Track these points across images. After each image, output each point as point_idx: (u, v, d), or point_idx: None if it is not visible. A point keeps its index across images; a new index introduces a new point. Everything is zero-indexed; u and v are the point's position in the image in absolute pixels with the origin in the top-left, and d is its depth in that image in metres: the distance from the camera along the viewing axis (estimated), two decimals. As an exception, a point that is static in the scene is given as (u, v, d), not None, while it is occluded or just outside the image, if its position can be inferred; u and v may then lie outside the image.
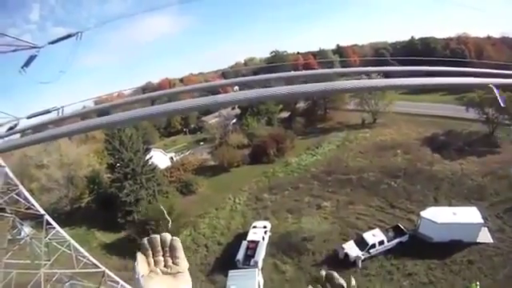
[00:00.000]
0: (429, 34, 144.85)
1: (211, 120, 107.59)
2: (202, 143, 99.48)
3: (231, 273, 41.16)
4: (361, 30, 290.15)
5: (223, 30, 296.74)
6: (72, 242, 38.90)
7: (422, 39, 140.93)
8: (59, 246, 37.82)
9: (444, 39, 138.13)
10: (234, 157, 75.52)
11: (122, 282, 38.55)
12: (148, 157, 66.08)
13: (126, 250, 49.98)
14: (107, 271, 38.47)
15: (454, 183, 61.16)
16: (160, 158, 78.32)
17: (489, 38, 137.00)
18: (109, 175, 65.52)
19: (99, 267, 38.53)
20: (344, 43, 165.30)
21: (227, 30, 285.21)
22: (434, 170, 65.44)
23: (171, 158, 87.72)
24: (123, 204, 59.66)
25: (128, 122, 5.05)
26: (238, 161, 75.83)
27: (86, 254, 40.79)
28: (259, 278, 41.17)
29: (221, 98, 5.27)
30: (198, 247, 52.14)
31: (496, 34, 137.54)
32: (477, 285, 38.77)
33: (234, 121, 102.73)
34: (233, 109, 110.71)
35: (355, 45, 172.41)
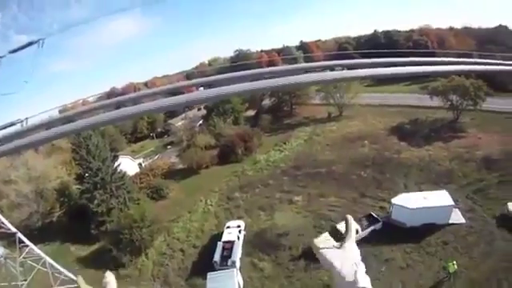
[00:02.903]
0: (392, 27, 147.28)
1: (178, 122, 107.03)
2: (169, 147, 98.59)
3: (210, 275, 40.86)
4: (324, 26, 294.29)
5: (186, 32, 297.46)
6: (47, 258, 38.23)
7: (384, 32, 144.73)
8: (34, 264, 37.14)
9: (406, 32, 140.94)
10: (202, 158, 74.94)
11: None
12: (116, 164, 64.54)
13: (102, 262, 48.83)
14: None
15: (422, 169, 62.79)
16: (128, 165, 77.08)
17: (451, 29, 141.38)
18: (78, 186, 63.84)
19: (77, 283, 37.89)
20: (308, 39, 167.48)
21: (190, 31, 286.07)
22: (402, 158, 66.97)
23: (140, 164, 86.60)
24: (95, 215, 58.19)
25: (93, 126, 4.90)
26: (207, 162, 75.26)
27: (63, 270, 40.11)
28: (238, 277, 41.04)
29: (183, 97, 5.16)
30: (173, 252, 51.39)
31: (459, 25, 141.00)
32: (454, 264, 39.73)
33: (201, 122, 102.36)
34: (199, 110, 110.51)
35: (319, 40, 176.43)
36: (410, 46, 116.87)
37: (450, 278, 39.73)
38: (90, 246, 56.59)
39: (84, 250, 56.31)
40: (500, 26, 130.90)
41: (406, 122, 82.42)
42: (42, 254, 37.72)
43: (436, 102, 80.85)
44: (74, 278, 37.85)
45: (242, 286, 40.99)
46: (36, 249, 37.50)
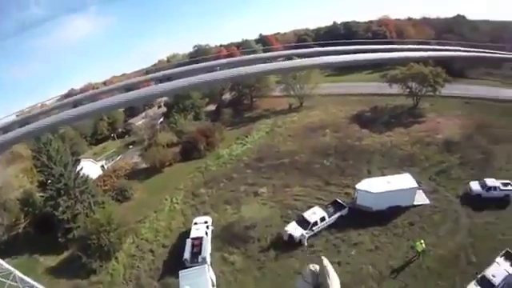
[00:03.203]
0: (351, 18, 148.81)
1: (138, 122, 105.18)
2: (131, 146, 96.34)
3: (182, 273, 40.07)
4: (283, 19, 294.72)
5: (142, 31, 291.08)
6: (16, 272, 36.70)
7: (343, 23, 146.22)
8: (4, 280, 35.83)
9: (365, 23, 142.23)
10: (165, 156, 73.67)
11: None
12: (79, 168, 62.62)
13: (73, 270, 47.33)
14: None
15: (384, 154, 63.84)
16: (91, 168, 74.89)
17: (409, 19, 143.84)
18: (41, 194, 61.73)
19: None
20: (267, 32, 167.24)
21: (146, 30, 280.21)
22: (364, 145, 67.82)
23: (102, 166, 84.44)
24: (61, 222, 56.29)
25: (51, 127, 4.49)
26: (170, 160, 73.93)
27: (33, 282, 38.71)
28: (210, 273, 40.43)
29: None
30: (143, 253, 49.94)
31: (417, 16, 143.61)
32: (421, 243, 40.31)
33: (161, 120, 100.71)
34: (159, 107, 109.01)
35: (278, 33, 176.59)
36: (369, 36, 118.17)
37: (419, 256, 40.28)
38: (59, 255, 54.44)
39: (53, 260, 54.22)
40: (458, 15, 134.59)
41: (367, 110, 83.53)
42: (11, 269, 36.24)
43: (395, 89, 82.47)
44: None
45: (214, 281, 40.43)
46: (4, 263, 36.14)
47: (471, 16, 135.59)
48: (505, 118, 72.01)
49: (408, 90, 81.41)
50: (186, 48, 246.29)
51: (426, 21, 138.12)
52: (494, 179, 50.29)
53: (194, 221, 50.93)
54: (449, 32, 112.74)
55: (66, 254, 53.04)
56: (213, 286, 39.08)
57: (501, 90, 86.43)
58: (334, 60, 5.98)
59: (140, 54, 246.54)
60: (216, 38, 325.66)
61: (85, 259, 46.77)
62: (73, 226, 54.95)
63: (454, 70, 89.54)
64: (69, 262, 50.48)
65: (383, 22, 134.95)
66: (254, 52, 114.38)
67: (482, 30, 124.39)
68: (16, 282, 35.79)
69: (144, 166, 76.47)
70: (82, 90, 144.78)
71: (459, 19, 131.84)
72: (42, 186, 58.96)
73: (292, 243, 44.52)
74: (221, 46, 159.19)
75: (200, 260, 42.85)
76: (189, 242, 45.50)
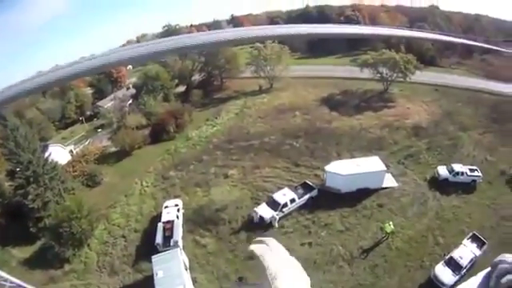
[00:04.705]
0: (324, 2, 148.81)
1: (107, 104, 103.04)
2: (100, 130, 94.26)
3: (154, 258, 39.60)
4: (256, 0, 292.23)
5: (112, 10, 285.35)
6: None
7: (316, 7, 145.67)
8: None
9: (339, 7, 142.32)
10: (134, 139, 72.18)
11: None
12: (47, 154, 61.16)
13: (46, 260, 46.15)
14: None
15: (353, 137, 64.40)
16: (60, 153, 72.52)
17: (382, 5, 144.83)
18: (10, 183, 60.04)
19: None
20: (239, 13, 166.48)
21: (116, 8, 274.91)
22: (333, 128, 68.20)
23: (71, 151, 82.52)
24: (32, 211, 54.95)
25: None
26: (139, 142, 72.37)
27: (8, 276, 37.90)
28: (183, 256, 40.11)
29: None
30: (115, 239, 48.59)
31: (391, 3, 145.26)
32: (390, 224, 41.21)
33: (130, 101, 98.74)
34: (127, 89, 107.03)
35: (250, 14, 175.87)
36: (341, 20, 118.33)
37: (388, 237, 41.19)
38: (32, 245, 53.07)
39: (26, 252, 52.46)
40: (432, 5, 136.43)
41: (337, 93, 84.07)
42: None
43: (366, 74, 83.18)
44: (22, 283, 36.10)
45: (187, 264, 40.25)
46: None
47: (445, 7, 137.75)
48: (472, 106, 74.70)
49: (379, 75, 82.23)
50: (155, 27, 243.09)
51: (399, 9, 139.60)
52: (461, 165, 51.84)
53: (165, 204, 50.22)
54: (422, 21, 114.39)
55: (38, 245, 51.42)
56: (186, 269, 38.80)
57: (469, 80, 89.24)
58: (311, 31, 5.90)
59: (108, 33, 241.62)
60: (187, 18, 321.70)
61: (58, 248, 45.64)
62: (43, 214, 53.57)
63: (426, 57, 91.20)
64: (42, 252, 49.01)
65: (357, 8, 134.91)
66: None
67: (455, 21, 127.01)
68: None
69: (113, 149, 74.94)
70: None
71: (432, 9, 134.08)
72: (11, 174, 57.06)
73: (263, 225, 44.55)
74: (191, 26, 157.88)
75: (172, 244, 42.43)
76: (160, 226, 44.98)
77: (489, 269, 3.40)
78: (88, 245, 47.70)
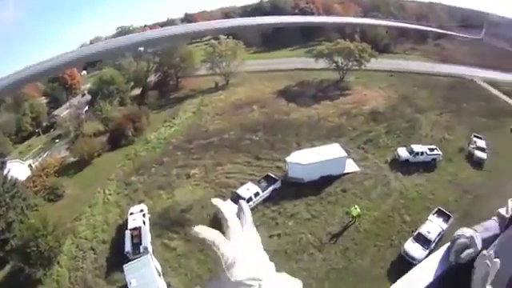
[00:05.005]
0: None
1: (63, 113, 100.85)
2: (57, 140, 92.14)
3: (126, 267, 38.66)
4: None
5: (62, 16, 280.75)
6: None
7: (270, 1, 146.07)
8: None
9: (293, 0, 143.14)
10: (92, 147, 70.27)
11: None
12: (6, 171, 59.55)
13: (17, 284, 45.39)
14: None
15: (312, 127, 64.71)
16: (18, 169, 70.09)
17: None
18: None
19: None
20: (193, 11, 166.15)
21: (66, 14, 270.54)
22: (291, 119, 68.45)
23: (30, 166, 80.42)
24: None
25: None
26: (98, 150, 70.27)
27: None
28: (154, 262, 39.24)
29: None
30: (84, 253, 47.03)
31: None
32: (356, 208, 41.29)
33: (87, 108, 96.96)
34: (83, 96, 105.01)
35: (204, 11, 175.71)
36: (296, 13, 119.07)
37: (355, 221, 41.33)
38: (1, 270, 51.98)
39: None
40: None
41: (293, 85, 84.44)
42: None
43: (321, 64, 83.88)
44: None
45: (159, 269, 39.61)
46: None
47: None
48: (427, 89, 77.04)
49: (334, 64, 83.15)
50: (109, 30, 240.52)
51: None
52: (420, 145, 53.02)
53: (130, 211, 49.07)
54: (376, 10, 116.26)
55: (7, 268, 50.18)
56: (159, 274, 38.21)
57: (424, 64, 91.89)
58: (262, 22, 5.40)
59: (61, 39, 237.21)
60: (140, 18, 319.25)
61: (27, 270, 44.37)
62: (8, 236, 51.85)
63: (380, 45, 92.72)
64: (12, 276, 47.04)
65: (310, 0, 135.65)
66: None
67: (409, 10, 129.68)
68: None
69: (72, 159, 73.09)
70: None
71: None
72: (-31, 196, 55.18)
73: (230, 221, 44.24)
74: (145, 26, 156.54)
75: (142, 250, 41.54)
76: (128, 234, 43.92)
77: (448, 244, 3.17)
78: (58, 262, 45.72)
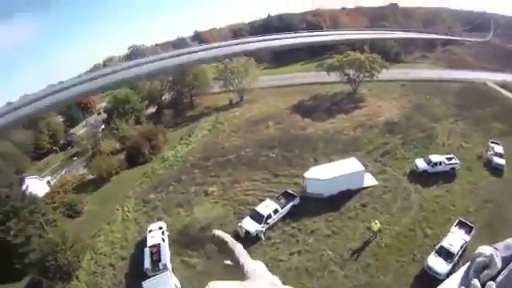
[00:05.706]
0: (284, 10, 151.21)
1: (80, 131, 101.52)
2: (75, 158, 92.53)
3: (145, 284, 38.55)
4: (218, 15, 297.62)
5: (76, 35, 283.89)
6: None
7: (278, 16, 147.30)
8: None
9: (300, 14, 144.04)
10: (110, 165, 70.75)
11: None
12: (24, 187, 59.99)
13: None
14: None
15: (328, 141, 64.32)
16: (37, 185, 70.66)
17: (343, 8, 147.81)
18: None
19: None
20: (202, 29, 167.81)
21: (80, 34, 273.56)
22: (307, 134, 68.15)
23: (48, 182, 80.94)
24: (15, 247, 53.39)
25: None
26: (116, 167, 70.80)
27: None
28: (173, 279, 39.27)
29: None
30: (103, 269, 47.23)
31: (351, 5, 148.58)
32: (376, 223, 40.95)
33: (103, 127, 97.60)
34: (99, 114, 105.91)
35: (213, 29, 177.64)
36: (304, 27, 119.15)
37: (376, 236, 41.01)
38: (19, 282, 51.95)
39: None
40: (391, 4, 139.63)
41: (307, 99, 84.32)
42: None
43: (333, 77, 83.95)
44: None
45: (179, 286, 39.41)
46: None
47: (404, 4, 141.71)
48: (440, 96, 76.52)
49: (346, 76, 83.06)
50: (121, 50, 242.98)
51: (359, 10, 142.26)
52: (438, 155, 52.72)
53: (149, 228, 49.16)
54: (382, 20, 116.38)
55: (26, 281, 50.33)
56: None
57: (435, 71, 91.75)
58: (269, 44, 5.27)
59: (75, 59, 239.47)
60: (151, 36, 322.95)
61: (46, 283, 44.51)
62: (27, 249, 52.04)
63: (390, 55, 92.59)
64: None
65: (318, 13, 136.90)
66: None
67: (415, 17, 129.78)
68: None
69: (91, 176, 73.46)
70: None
71: (392, 7, 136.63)
72: (-12, 211, 55.58)
73: (250, 239, 43.87)
74: (156, 45, 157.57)
75: (161, 267, 41.50)
76: (147, 251, 43.93)
77: (468, 263, 3.01)
78: (77, 277, 46.03)
